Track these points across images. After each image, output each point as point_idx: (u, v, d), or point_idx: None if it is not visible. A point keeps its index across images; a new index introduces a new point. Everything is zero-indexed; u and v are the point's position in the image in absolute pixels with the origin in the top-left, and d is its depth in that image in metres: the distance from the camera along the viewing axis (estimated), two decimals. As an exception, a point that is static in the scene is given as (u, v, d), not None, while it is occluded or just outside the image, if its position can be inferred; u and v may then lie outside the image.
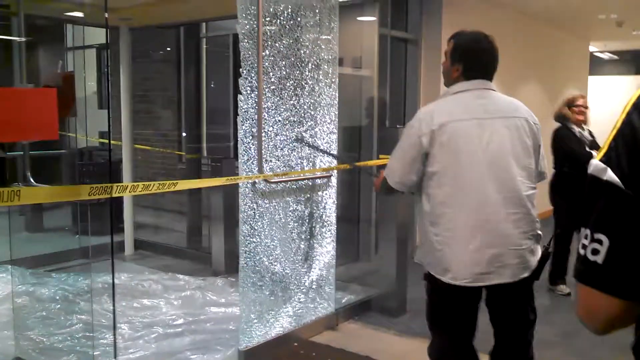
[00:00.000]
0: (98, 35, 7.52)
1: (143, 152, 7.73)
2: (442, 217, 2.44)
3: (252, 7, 3.58)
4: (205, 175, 6.48)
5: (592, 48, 10.93)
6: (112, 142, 6.66)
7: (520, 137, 2.48)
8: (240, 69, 3.57)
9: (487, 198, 2.39)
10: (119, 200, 6.29)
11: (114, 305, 2.84)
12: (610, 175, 0.96)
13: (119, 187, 2.85)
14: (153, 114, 8.13)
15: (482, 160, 2.41)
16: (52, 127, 2.72)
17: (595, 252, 0.98)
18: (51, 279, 5.18)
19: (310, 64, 4.04)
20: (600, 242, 0.97)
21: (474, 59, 2.56)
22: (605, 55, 12.33)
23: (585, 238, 1.00)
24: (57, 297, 4.71)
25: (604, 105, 8.31)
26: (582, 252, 1.00)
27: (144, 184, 3.00)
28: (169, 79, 7.75)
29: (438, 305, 2.61)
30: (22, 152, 5.02)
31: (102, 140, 7.03)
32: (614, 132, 1.00)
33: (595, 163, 1.00)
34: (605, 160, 0.99)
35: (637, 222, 0.95)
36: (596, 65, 11.89)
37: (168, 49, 7.71)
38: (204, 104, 7.47)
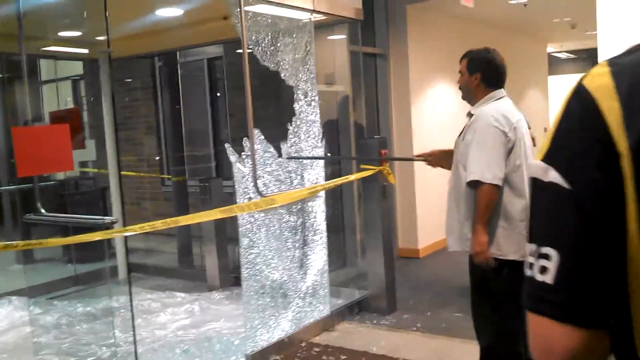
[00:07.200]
0: (71, 68, 7.74)
1: (127, 178, 7.91)
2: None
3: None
4: (193, 197, 6.68)
5: (550, 50, 11.48)
6: (98, 170, 6.85)
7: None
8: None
9: None
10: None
11: (133, 320, 3.08)
12: (553, 175, 0.78)
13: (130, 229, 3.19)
14: (134, 140, 8.33)
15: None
16: (68, 159, 2.96)
17: (543, 270, 0.77)
18: (53, 306, 5.35)
19: (292, 85, 4.34)
20: (547, 257, 0.77)
21: (491, 66, 2.98)
22: (563, 55, 12.91)
23: (531, 255, 0.80)
24: (61, 323, 4.90)
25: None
26: (528, 272, 0.80)
27: (150, 225, 3.33)
28: (148, 105, 7.98)
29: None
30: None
31: (84, 169, 7.16)
32: (554, 128, 0.81)
33: (536, 163, 0.81)
34: (548, 158, 0.80)
35: (589, 228, 0.75)
36: (556, 65, 12.48)
37: (145, 77, 7.94)
38: (183, 127, 7.68)
